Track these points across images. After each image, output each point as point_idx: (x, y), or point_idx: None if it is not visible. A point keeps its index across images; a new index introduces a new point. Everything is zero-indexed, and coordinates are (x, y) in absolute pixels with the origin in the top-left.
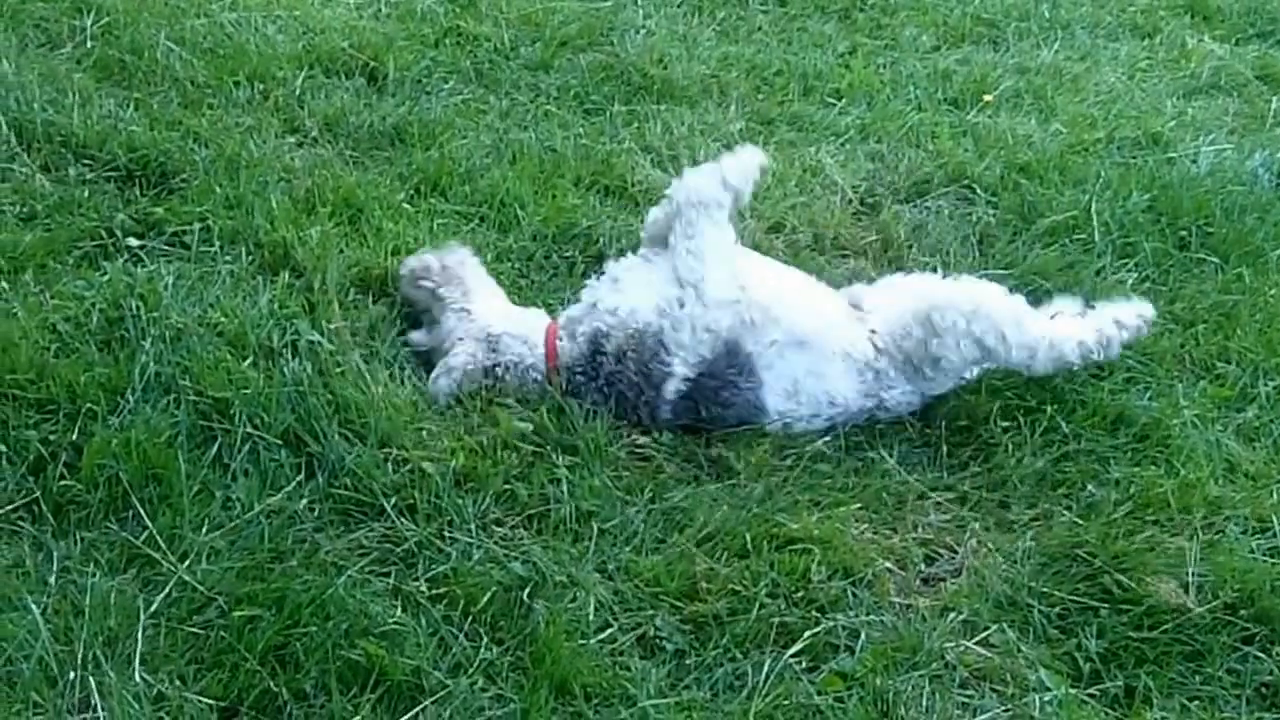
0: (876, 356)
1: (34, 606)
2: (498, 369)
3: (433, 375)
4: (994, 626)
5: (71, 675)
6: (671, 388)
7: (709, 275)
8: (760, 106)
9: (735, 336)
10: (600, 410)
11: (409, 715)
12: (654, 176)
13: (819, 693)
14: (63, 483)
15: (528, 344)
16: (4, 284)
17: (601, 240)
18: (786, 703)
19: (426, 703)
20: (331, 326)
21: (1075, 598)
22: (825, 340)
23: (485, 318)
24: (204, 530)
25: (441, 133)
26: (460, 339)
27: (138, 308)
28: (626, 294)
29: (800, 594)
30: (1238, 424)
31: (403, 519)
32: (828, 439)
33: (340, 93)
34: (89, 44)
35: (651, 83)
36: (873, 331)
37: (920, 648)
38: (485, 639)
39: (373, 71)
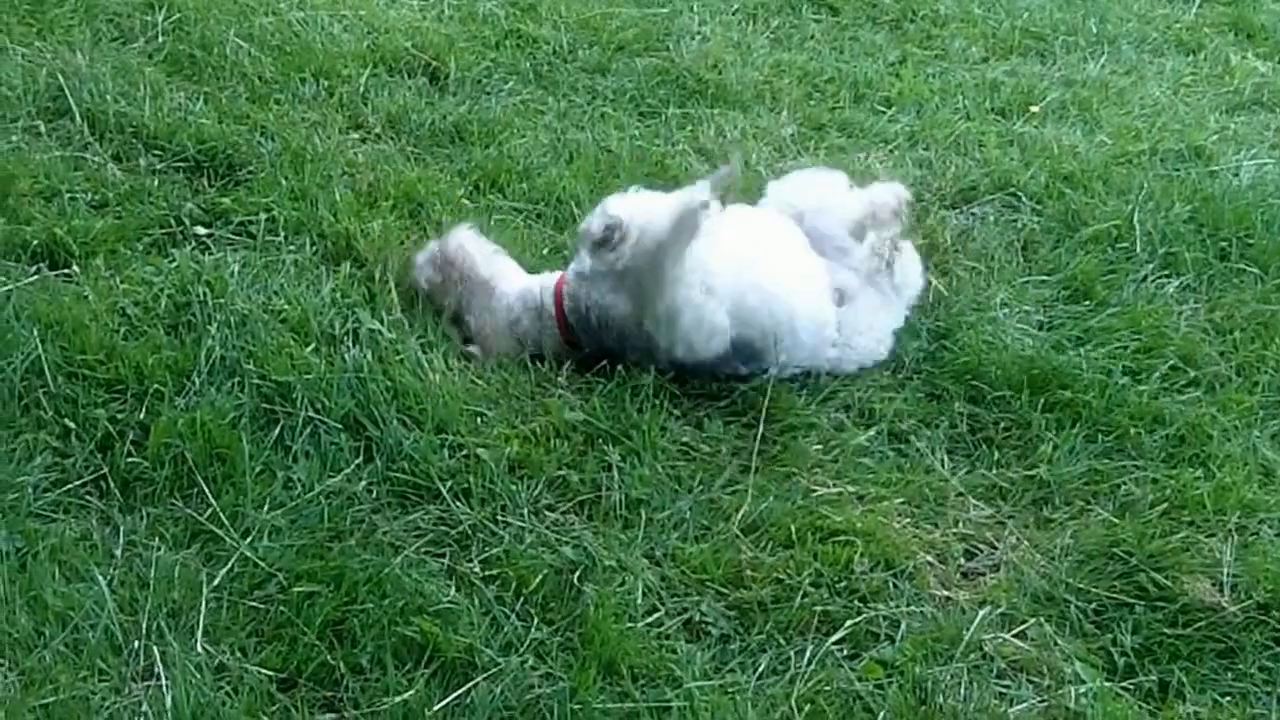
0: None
1: (101, 578)
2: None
3: None
4: (1031, 620)
5: (136, 644)
6: None
7: None
8: (812, 112)
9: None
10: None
11: (461, 690)
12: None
13: (859, 679)
14: (130, 460)
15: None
16: (76, 268)
17: None
18: (827, 688)
19: (479, 679)
20: (391, 316)
21: (1111, 594)
22: None
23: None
24: (265, 509)
25: (500, 131)
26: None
27: (204, 294)
28: None
29: (842, 584)
30: (1273, 431)
31: (458, 502)
32: (871, 434)
33: (403, 91)
34: (160, 39)
35: (706, 87)
36: None
37: (959, 639)
38: (536, 619)
39: (434, 71)
